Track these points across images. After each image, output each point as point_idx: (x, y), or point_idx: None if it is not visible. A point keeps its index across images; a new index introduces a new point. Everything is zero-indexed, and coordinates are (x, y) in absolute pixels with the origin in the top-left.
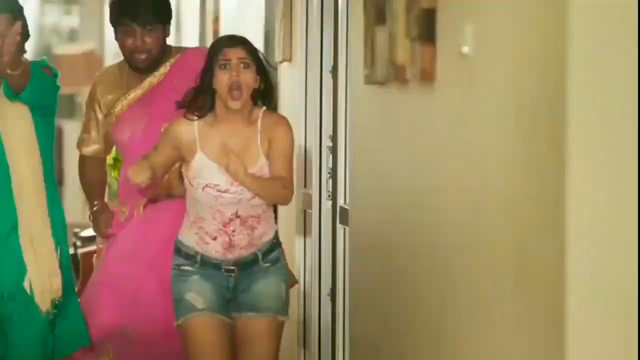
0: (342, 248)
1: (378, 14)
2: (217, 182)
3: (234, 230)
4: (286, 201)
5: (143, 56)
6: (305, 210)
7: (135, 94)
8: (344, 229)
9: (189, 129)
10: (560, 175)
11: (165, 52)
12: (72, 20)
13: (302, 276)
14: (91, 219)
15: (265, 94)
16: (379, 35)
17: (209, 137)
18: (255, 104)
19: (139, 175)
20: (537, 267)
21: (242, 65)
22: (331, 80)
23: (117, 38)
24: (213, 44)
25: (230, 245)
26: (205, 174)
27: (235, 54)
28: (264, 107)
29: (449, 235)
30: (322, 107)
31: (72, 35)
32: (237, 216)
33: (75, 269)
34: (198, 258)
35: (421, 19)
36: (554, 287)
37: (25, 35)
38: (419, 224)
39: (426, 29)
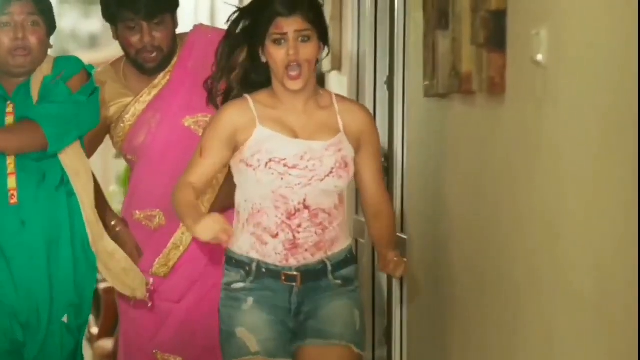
0: (399, 283)
1: (440, 16)
2: (283, 155)
3: (299, 226)
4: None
5: (153, 54)
6: (357, 240)
7: (149, 94)
8: None
9: (244, 108)
10: None
11: (175, 45)
12: (91, 24)
13: None
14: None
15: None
16: (440, 41)
17: (269, 115)
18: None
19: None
20: (622, 298)
21: (300, 39)
22: (386, 92)
23: (116, 36)
24: (261, 6)
25: (294, 246)
26: (269, 146)
27: (292, 26)
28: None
29: (519, 265)
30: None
31: (92, 41)
32: (305, 206)
33: (96, 305)
34: (253, 266)
35: (489, 22)
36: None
37: (50, 26)
38: (485, 254)
39: (495, 33)
